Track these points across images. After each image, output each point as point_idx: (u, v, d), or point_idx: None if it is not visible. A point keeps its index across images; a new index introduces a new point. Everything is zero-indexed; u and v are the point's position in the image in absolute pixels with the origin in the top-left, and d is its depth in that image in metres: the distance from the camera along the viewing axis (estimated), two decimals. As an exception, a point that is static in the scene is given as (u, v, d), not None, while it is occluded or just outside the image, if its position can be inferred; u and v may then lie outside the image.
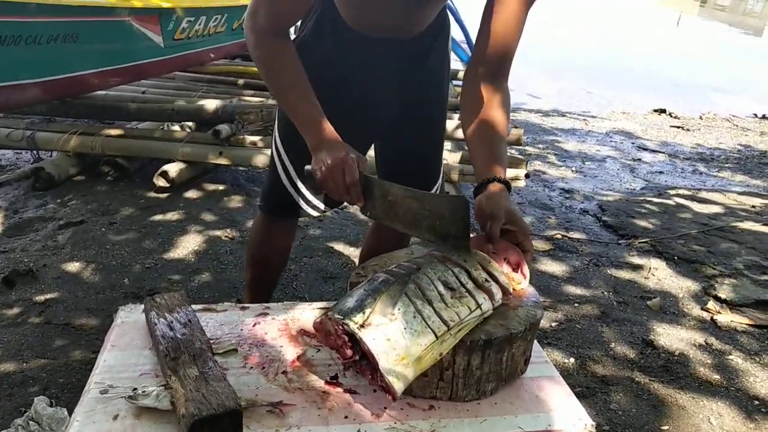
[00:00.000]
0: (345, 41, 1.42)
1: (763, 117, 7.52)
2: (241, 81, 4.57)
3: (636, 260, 2.89)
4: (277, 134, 1.58)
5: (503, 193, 1.16)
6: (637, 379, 1.95)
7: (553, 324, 2.26)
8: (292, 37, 1.38)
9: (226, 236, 2.79)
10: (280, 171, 1.57)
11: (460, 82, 1.46)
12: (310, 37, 1.45)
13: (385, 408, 0.97)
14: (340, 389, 1.01)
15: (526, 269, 1.13)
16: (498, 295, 1.02)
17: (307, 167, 1.26)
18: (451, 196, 1.14)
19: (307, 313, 1.23)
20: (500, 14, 1.24)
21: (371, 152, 1.66)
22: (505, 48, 1.27)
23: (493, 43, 1.26)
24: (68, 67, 3.11)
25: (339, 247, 2.75)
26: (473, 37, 1.43)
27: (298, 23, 1.44)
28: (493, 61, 1.28)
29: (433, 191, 1.64)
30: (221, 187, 3.36)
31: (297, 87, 1.25)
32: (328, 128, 1.22)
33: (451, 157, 3.34)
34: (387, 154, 1.65)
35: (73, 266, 2.44)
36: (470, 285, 1.02)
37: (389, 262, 1.17)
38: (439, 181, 1.68)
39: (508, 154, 3.57)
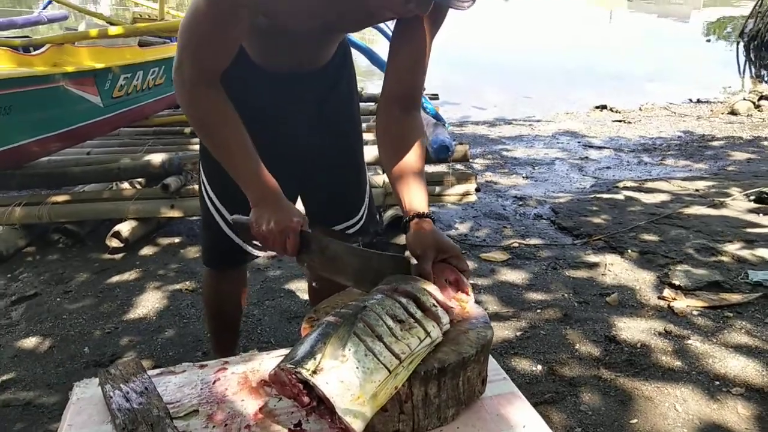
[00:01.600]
0: (255, 78, 1.42)
1: (698, 101, 7.85)
2: (187, 129, 4.55)
3: (592, 258, 2.97)
4: (206, 183, 1.55)
5: (427, 227, 1.19)
6: (603, 377, 2.00)
7: (518, 333, 2.30)
8: None
9: (185, 289, 2.76)
10: (218, 219, 1.55)
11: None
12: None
13: (350, 448, 0.98)
14: (304, 436, 1.01)
15: (468, 288, 1.16)
16: (445, 319, 1.05)
17: (237, 217, 1.26)
18: (394, 255, 1.17)
19: (266, 363, 1.23)
20: (406, 48, 1.27)
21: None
22: (413, 81, 1.30)
23: (401, 77, 1.29)
24: (5, 139, 3.07)
25: (301, 285, 2.75)
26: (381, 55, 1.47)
27: None
28: (403, 95, 1.31)
29: (356, 224, 1.64)
30: (177, 240, 3.33)
31: (234, 141, 1.22)
32: (271, 183, 1.21)
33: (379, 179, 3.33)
34: (305, 186, 1.62)
35: (29, 342, 2.38)
36: (419, 314, 1.04)
37: (341, 302, 1.18)
38: (364, 205, 1.66)
39: (458, 169, 3.64)
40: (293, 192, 1.55)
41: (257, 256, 1.64)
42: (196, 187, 3.34)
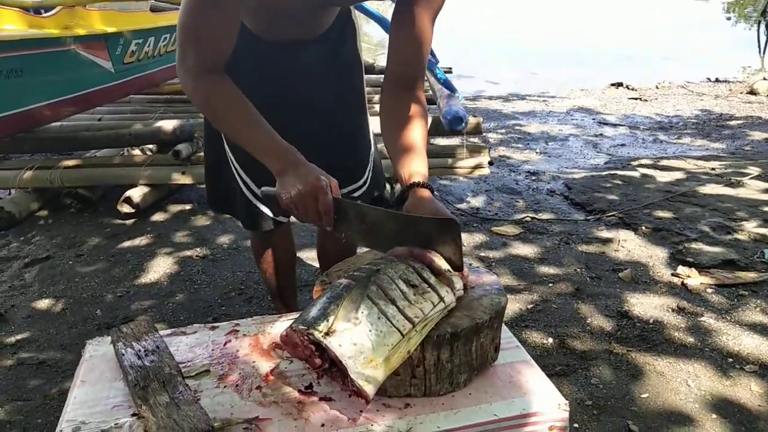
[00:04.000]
0: (255, 49, 1.41)
1: (716, 80, 7.70)
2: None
3: (605, 234, 2.94)
4: (229, 151, 1.55)
5: (427, 196, 1.17)
6: (615, 351, 1.99)
7: (530, 306, 2.29)
8: None
9: (196, 255, 2.77)
10: (242, 186, 1.56)
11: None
12: None
13: (361, 411, 0.97)
14: (315, 398, 1.01)
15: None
16: (459, 284, 1.04)
17: (266, 189, 1.22)
18: (436, 217, 1.12)
19: (277, 326, 1.22)
20: (407, 28, 1.26)
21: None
22: (415, 60, 1.30)
23: (403, 57, 1.30)
24: (17, 102, 3.06)
25: (311, 254, 2.75)
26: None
27: None
28: (405, 74, 1.31)
29: (360, 188, 1.63)
30: (187, 207, 3.33)
31: (245, 118, 1.21)
32: (291, 151, 1.19)
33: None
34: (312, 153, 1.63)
35: (42, 303, 2.39)
36: (432, 279, 1.02)
37: (353, 266, 1.17)
38: (368, 170, 1.65)
39: (471, 141, 3.60)
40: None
41: (282, 221, 1.63)
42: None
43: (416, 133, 1.27)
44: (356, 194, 1.63)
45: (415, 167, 1.22)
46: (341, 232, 1.17)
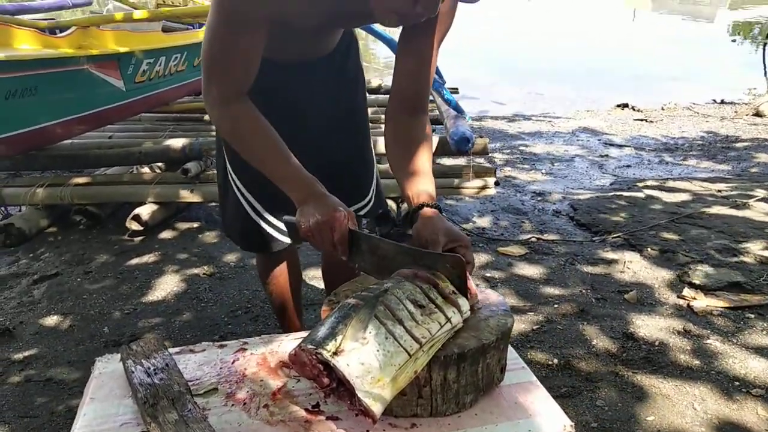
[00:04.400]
0: (266, 70, 1.41)
1: (722, 102, 7.72)
2: (207, 116, 4.58)
3: (611, 255, 2.94)
4: (232, 173, 1.57)
5: (436, 216, 1.18)
6: (620, 373, 1.98)
7: (535, 327, 2.29)
8: None
9: (204, 273, 2.78)
10: (247, 208, 1.58)
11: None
12: None
13: (368, 431, 0.98)
14: (322, 417, 1.01)
15: (470, 282, 1.11)
16: (465, 306, 1.05)
17: (288, 218, 1.25)
18: (447, 254, 1.14)
19: (285, 345, 1.24)
20: (414, 50, 1.28)
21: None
22: (419, 84, 1.31)
23: (408, 81, 1.31)
24: (30, 120, 3.11)
25: (317, 273, 2.76)
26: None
27: None
28: (410, 98, 1.32)
29: (365, 206, 1.65)
30: (195, 225, 3.36)
31: (270, 147, 1.24)
32: (313, 181, 1.22)
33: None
34: (322, 169, 1.66)
35: (50, 320, 2.41)
36: (439, 300, 1.03)
37: (360, 287, 1.18)
38: (372, 189, 1.67)
39: (477, 162, 3.63)
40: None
41: (295, 244, 1.66)
42: (215, 172, 3.37)
43: (422, 154, 1.29)
44: (362, 212, 1.65)
45: (422, 187, 1.24)
46: (355, 262, 1.20)
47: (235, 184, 1.58)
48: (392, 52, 3.84)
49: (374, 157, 1.72)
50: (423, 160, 1.29)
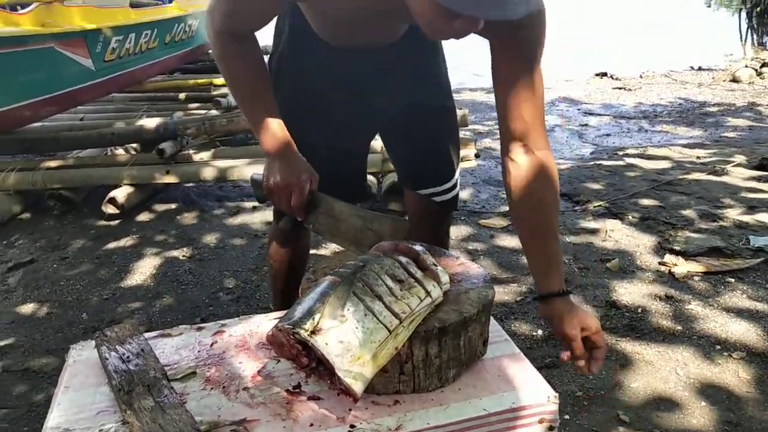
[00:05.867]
0: (323, 55, 1.38)
1: (699, 69, 7.75)
2: (182, 95, 4.49)
3: (592, 224, 2.94)
4: None
5: (570, 309, 1.14)
6: (604, 341, 1.99)
7: (518, 298, 2.29)
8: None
9: (183, 256, 2.74)
10: None
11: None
12: (286, 52, 1.43)
13: (350, 410, 0.96)
14: (303, 397, 0.99)
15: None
16: (445, 278, 1.03)
17: (254, 174, 1.25)
18: (395, 217, 1.12)
19: (264, 326, 1.21)
20: (507, 80, 1.14)
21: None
22: (527, 115, 1.15)
23: (512, 114, 1.15)
24: (-6, 102, 3.01)
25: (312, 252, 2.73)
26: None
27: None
28: (521, 133, 1.16)
29: (448, 191, 1.58)
30: (173, 206, 3.30)
31: (254, 90, 1.22)
32: (286, 139, 1.20)
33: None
34: (390, 141, 1.62)
35: (27, 308, 2.36)
36: (418, 274, 1.01)
37: (339, 263, 1.16)
38: (455, 178, 1.58)
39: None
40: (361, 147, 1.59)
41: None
42: (192, 152, 3.31)
43: (548, 212, 1.17)
44: (440, 198, 1.56)
45: (551, 268, 1.17)
46: (310, 223, 1.20)
47: None
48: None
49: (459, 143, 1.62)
50: (548, 220, 1.17)
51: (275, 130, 1.20)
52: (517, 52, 1.13)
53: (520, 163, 1.16)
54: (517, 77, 1.13)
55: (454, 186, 1.58)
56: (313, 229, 1.21)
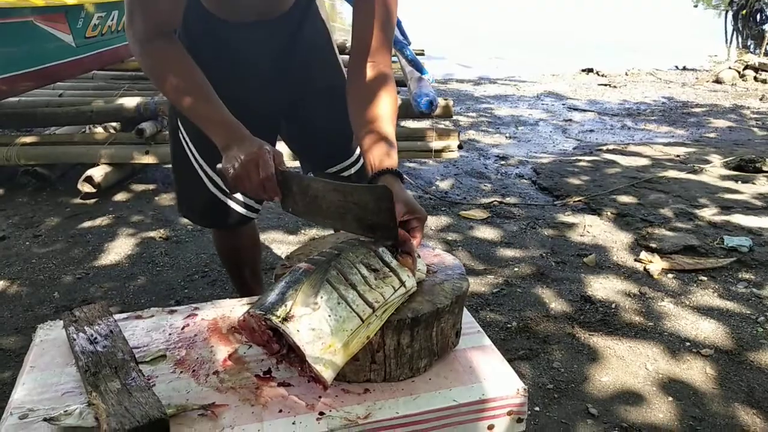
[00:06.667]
0: (213, 30, 1.37)
1: (684, 68, 7.83)
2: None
3: (571, 219, 2.97)
4: (186, 137, 1.48)
5: (397, 184, 1.13)
6: (577, 335, 2.01)
7: (494, 290, 2.30)
8: None
9: (159, 237, 2.71)
10: (201, 174, 1.49)
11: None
12: (181, 34, 1.39)
13: (320, 397, 0.96)
14: (273, 383, 0.99)
15: (414, 251, 1.06)
16: (422, 267, 1.02)
17: (218, 166, 1.20)
18: (373, 186, 1.09)
19: (237, 310, 1.20)
20: (369, 3, 1.23)
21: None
22: (379, 35, 1.26)
23: (366, 31, 1.25)
24: (-31, 75, 2.94)
25: (277, 236, 2.72)
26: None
27: None
28: (370, 49, 1.26)
29: (352, 165, 1.60)
30: (151, 187, 3.26)
31: (193, 88, 1.18)
32: (236, 125, 1.16)
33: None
34: (292, 132, 1.62)
35: (-3, 285, 2.32)
36: (393, 263, 1.01)
37: (315, 250, 1.15)
38: (357, 153, 1.62)
39: (440, 125, 3.59)
40: (271, 137, 1.52)
41: (251, 216, 1.59)
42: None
43: (383, 110, 1.24)
44: (349, 172, 1.59)
45: (385, 152, 1.18)
46: (288, 206, 1.16)
47: (192, 154, 1.49)
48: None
49: None
50: (384, 116, 1.23)
51: (223, 117, 1.17)
52: None
53: (366, 72, 1.27)
54: (379, 2, 1.23)
55: (358, 158, 1.62)
56: (292, 211, 1.16)
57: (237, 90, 1.36)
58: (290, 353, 0.95)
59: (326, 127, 1.55)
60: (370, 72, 1.27)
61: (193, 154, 1.49)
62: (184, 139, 1.49)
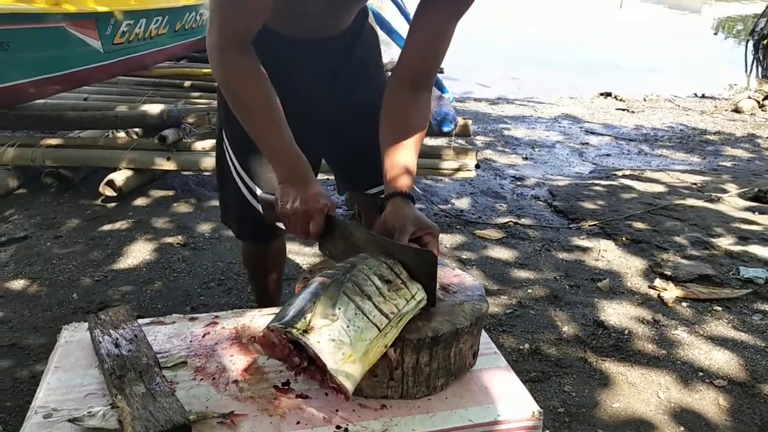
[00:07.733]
0: (269, 44, 1.37)
1: (703, 96, 7.80)
2: (187, 83, 4.49)
3: (586, 243, 2.97)
4: (230, 150, 1.49)
5: (407, 205, 1.14)
6: (589, 360, 2.01)
7: (507, 311, 2.30)
8: None
9: (177, 243, 2.74)
10: (242, 189, 1.49)
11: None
12: None
13: (337, 410, 0.97)
14: (291, 395, 1.01)
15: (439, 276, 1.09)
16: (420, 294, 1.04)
17: (264, 195, 1.21)
18: (418, 249, 1.11)
19: (257, 320, 1.22)
20: (428, 26, 1.22)
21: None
22: (429, 61, 1.26)
23: (418, 55, 1.25)
24: (1, 76, 3.00)
25: (294, 247, 2.74)
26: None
27: None
28: (415, 73, 1.26)
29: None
30: (170, 193, 3.30)
31: (264, 111, 1.17)
32: (301, 159, 1.16)
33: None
34: (332, 151, 1.61)
35: (17, 284, 2.36)
36: (404, 275, 1.03)
37: (333, 265, 1.17)
38: None
39: (458, 144, 3.61)
40: (315, 157, 1.54)
41: (269, 223, 1.62)
42: (193, 140, 3.31)
43: (411, 139, 1.23)
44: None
45: (401, 175, 1.19)
46: (326, 249, 1.17)
47: (233, 165, 1.49)
48: (407, 22, 3.82)
49: None
50: (410, 145, 1.23)
51: (290, 150, 1.17)
52: (452, 5, 1.20)
53: (406, 92, 1.26)
54: (440, 25, 1.21)
55: None
56: (329, 255, 1.17)
57: (287, 106, 1.39)
58: (310, 366, 0.97)
59: (366, 149, 1.52)
60: (410, 94, 1.26)
61: (234, 166, 1.50)
62: (227, 149, 1.50)
